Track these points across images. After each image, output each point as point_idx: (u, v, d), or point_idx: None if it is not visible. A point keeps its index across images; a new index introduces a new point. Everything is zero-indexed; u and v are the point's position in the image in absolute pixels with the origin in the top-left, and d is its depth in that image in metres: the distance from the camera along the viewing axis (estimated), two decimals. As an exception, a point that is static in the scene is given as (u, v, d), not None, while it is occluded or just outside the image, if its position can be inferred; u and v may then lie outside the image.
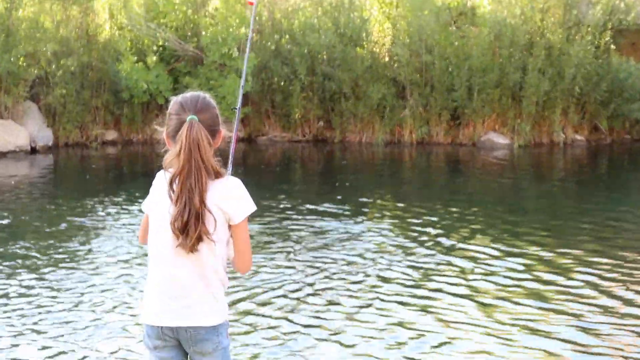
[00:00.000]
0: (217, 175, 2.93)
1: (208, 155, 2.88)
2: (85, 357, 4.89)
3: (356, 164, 14.81)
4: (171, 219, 2.86)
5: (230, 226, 2.96)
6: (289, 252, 7.45)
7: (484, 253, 7.36)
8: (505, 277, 6.58)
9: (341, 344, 5.07)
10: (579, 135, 16.66)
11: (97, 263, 7.12)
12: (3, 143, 15.31)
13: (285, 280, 6.50)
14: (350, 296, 6.04)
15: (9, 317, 5.60)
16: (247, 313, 5.68)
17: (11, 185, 11.84)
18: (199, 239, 2.85)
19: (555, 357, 4.89)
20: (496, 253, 7.36)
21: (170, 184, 2.88)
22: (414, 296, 6.06)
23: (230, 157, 3.70)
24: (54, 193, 11.46)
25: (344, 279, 6.53)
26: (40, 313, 5.70)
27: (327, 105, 16.77)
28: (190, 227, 2.84)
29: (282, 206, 9.76)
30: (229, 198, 2.92)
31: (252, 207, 2.98)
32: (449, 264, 7.00)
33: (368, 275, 6.62)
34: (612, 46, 16.59)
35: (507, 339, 5.15)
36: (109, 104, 16.52)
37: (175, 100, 3.02)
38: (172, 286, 2.93)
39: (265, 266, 6.91)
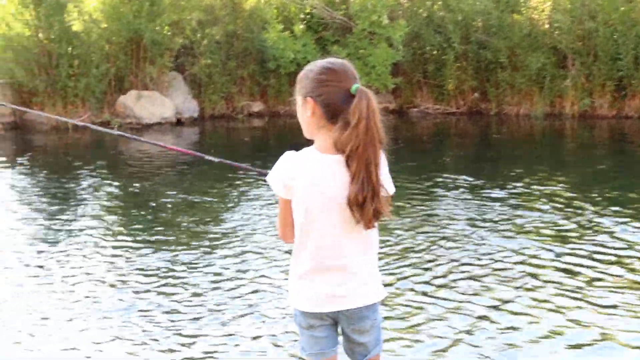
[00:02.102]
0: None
1: (381, 126, 2.92)
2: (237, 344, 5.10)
3: (513, 137, 15.15)
4: (349, 197, 2.91)
5: None
6: (438, 232, 7.62)
7: None
8: None
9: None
10: None
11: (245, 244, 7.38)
12: (148, 115, 16.20)
13: (434, 260, 6.70)
14: (500, 282, 6.08)
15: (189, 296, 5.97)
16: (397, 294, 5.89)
17: (158, 157, 12.58)
18: (376, 215, 2.95)
19: None
20: None
21: (347, 160, 2.90)
22: (568, 284, 5.99)
23: None
24: (201, 167, 11.74)
25: (493, 261, 6.60)
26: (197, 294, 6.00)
27: (483, 75, 17.19)
28: (366, 205, 2.90)
29: (430, 182, 10.01)
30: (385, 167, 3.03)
31: (392, 184, 3.09)
32: (603, 252, 6.79)
33: (519, 262, 6.59)
34: None
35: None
36: (255, 75, 17.33)
37: (327, 68, 2.98)
38: (338, 270, 3.04)
39: (416, 245, 7.18)
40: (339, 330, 3.18)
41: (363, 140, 2.87)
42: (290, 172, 2.98)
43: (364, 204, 2.90)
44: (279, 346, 4.97)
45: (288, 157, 3.00)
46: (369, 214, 2.92)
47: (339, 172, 2.92)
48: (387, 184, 3.01)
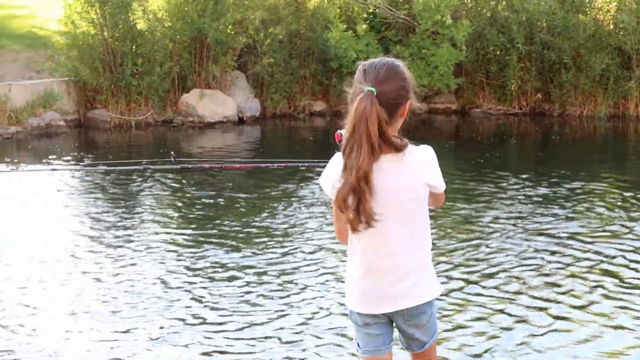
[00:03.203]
0: (398, 148, 3.21)
1: (377, 131, 3.13)
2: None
3: (574, 138, 15.71)
4: (337, 197, 3.20)
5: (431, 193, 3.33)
6: (497, 234, 8.30)
7: None
8: None
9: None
10: None
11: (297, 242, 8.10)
12: (211, 113, 17.01)
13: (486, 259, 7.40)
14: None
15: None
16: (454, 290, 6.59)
17: (220, 156, 13.23)
18: (368, 217, 3.16)
19: None
20: None
21: (342, 153, 3.19)
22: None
23: None
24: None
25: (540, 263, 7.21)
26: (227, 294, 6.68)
27: (546, 76, 17.74)
28: (348, 204, 3.15)
29: (491, 185, 10.66)
30: (422, 169, 3.26)
31: (442, 181, 3.34)
32: None
33: (564, 264, 7.21)
34: None
35: None
36: (317, 74, 18.09)
37: (360, 67, 3.29)
38: (390, 271, 3.28)
39: (479, 244, 7.88)
40: (394, 326, 3.42)
41: (351, 142, 3.14)
42: (338, 173, 3.22)
43: (344, 204, 3.17)
44: (323, 345, 5.58)
45: (336, 159, 3.28)
46: (354, 216, 3.17)
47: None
48: (435, 182, 3.28)
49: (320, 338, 5.66)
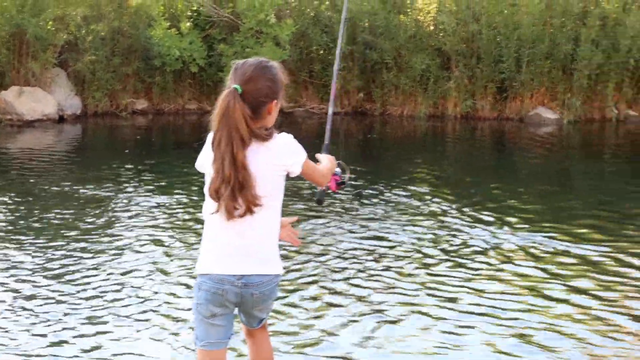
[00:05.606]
0: (264, 139, 3.68)
1: (244, 126, 3.58)
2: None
3: (395, 137, 17.45)
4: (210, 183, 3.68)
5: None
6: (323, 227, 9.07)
7: (523, 234, 8.75)
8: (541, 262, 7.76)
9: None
10: (633, 111, 19.19)
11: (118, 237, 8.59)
12: (30, 111, 18.08)
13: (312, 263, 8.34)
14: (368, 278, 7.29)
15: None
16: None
17: (37, 155, 14.07)
18: (250, 203, 3.68)
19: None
20: (546, 235, 8.67)
21: (212, 145, 3.66)
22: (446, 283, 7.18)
23: (327, 125, 5.06)
24: (81, 164, 13.47)
25: (358, 262, 7.80)
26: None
27: (368, 75, 19.63)
28: (221, 193, 3.65)
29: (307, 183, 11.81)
30: (282, 155, 3.76)
31: (304, 154, 3.83)
32: (481, 245, 8.32)
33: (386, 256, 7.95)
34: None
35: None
36: (140, 72, 19.50)
37: (233, 65, 3.73)
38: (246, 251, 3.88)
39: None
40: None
41: (219, 135, 3.60)
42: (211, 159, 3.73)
43: (216, 195, 3.66)
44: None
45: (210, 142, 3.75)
46: (226, 202, 3.66)
47: None
48: (292, 162, 3.79)
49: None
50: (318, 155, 4.14)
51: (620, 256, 7.97)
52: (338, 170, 4.55)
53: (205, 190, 3.74)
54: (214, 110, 3.63)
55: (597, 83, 18.79)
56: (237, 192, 3.60)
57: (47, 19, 18.14)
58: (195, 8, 19.41)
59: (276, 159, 3.71)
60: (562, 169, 13.74)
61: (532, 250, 8.17)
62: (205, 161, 3.73)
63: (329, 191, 4.69)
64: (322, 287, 6.98)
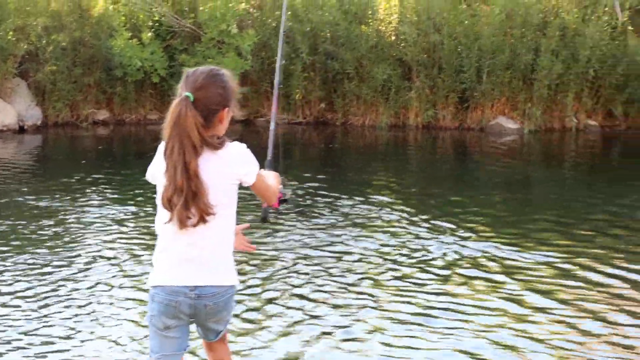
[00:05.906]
0: (216, 147, 3.70)
1: (196, 134, 3.59)
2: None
3: (358, 147, 17.54)
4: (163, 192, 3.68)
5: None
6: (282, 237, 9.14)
7: (483, 241, 8.87)
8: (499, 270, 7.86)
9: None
10: (592, 121, 19.36)
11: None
12: (-10, 121, 18.03)
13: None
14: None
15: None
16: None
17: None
18: (202, 212, 3.67)
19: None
20: (496, 245, 8.75)
21: (164, 154, 3.66)
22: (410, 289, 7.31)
23: (270, 135, 5.41)
24: (40, 175, 13.49)
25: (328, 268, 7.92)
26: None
27: (330, 86, 19.73)
28: (174, 202, 3.65)
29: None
30: (234, 164, 3.79)
31: (257, 165, 3.87)
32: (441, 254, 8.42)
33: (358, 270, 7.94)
34: (630, 27, 19.21)
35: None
36: (101, 82, 19.47)
37: (185, 73, 3.75)
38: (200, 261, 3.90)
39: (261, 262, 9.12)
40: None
41: (171, 144, 3.62)
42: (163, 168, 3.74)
43: (170, 203, 3.67)
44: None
45: (161, 150, 3.74)
46: (179, 211, 3.67)
47: None
48: (245, 171, 3.83)
49: None
50: (262, 172, 4.04)
51: (580, 260, 8.16)
52: (280, 186, 4.49)
53: (158, 200, 3.74)
54: (165, 119, 3.64)
55: (557, 93, 18.93)
56: (190, 200, 3.60)
57: (8, 29, 18.14)
58: (156, 18, 19.42)
59: (228, 167, 3.73)
60: (523, 178, 13.90)
61: (489, 258, 8.24)
62: (157, 171, 3.74)
63: (270, 209, 4.69)
64: (273, 302, 7.01)
